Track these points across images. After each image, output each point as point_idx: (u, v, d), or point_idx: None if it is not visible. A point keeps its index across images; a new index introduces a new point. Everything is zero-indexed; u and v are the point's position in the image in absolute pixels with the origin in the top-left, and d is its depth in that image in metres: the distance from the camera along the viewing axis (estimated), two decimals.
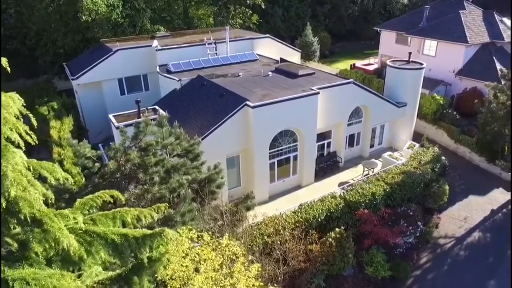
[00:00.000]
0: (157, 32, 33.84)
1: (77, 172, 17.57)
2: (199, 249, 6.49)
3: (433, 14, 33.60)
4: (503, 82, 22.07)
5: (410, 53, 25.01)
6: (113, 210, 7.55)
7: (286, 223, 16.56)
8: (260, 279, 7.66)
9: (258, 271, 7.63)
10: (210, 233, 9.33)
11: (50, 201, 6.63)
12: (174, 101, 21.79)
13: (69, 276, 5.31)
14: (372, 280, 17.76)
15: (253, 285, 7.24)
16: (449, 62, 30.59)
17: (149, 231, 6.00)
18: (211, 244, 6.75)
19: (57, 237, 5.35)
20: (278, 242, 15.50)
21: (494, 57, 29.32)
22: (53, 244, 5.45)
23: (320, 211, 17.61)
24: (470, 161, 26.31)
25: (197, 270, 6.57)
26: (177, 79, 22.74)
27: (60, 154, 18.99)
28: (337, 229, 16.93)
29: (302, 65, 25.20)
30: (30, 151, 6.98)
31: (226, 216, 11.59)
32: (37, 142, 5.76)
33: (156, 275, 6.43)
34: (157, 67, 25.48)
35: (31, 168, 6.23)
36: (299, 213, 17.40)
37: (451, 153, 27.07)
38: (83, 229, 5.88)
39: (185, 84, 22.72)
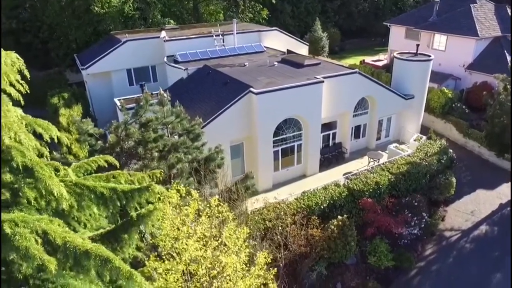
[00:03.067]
0: (166, 25, 34.18)
1: (84, 156, 17.89)
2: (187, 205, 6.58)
3: (443, 8, 33.22)
4: None
5: (418, 45, 24.78)
6: (106, 173, 7.70)
7: (288, 209, 16.58)
8: (247, 242, 7.70)
9: (246, 235, 7.66)
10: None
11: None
12: (180, 90, 21.98)
13: (57, 222, 5.42)
14: (375, 270, 17.65)
15: (241, 246, 7.28)
16: (459, 56, 30.20)
17: (136, 186, 6.10)
18: (200, 203, 6.81)
19: (47, 184, 5.47)
20: (280, 227, 15.51)
21: (505, 51, 28.84)
22: (44, 192, 5.57)
23: (323, 198, 17.57)
24: (479, 156, 25.91)
25: (184, 223, 6.65)
26: (184, 68, 22.93)
27: (68, 138, 19.28)
28: (339, 217, 16.86)
29: (308, 56, 25.17)
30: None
31: (223, 194, 11.66)
32: (29, 91, 5.89)
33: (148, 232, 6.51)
34: (165, 57, 25.73)
35: (26, 124, 6.41)
36: (302, 200, 17.38)
37: (459, 148, 26.70)
38: (73, 181, 5.99)
39: (192, 73, 22.91)
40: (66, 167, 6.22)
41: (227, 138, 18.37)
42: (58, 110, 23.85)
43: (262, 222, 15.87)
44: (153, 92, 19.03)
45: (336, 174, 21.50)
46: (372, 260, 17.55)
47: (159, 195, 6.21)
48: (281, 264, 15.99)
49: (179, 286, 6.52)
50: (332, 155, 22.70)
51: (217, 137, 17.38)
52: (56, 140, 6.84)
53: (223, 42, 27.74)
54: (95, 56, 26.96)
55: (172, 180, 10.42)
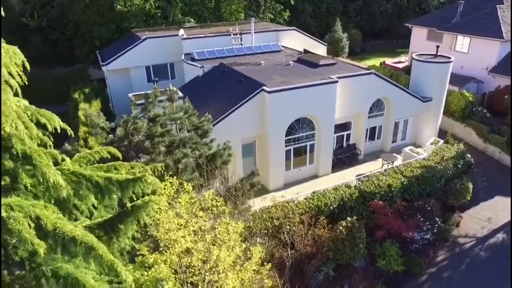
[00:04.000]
0: (186, 23, 34.66)
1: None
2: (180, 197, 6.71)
3: (468, 9, 32.31)
4: None
5: (437, 46, 24.20)
6: (108, 163, 7.92)
7: (297, 208, 16.56)
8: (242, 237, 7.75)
9: (241, 230, 7.72)
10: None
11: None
12: (196, 87, 22.28)
13: (52, 208, 5.64)
14: (384, 274, 17.39)
15: (236, 240, 7.34)
16: (482, 59, 29.30)
17: (131, 176, 6.26)
18: (193, 196, 6.91)
19: (44, 172, 5.69)
20: (287, 227, 15.52)
21: None
22: (41, 179, 5.80)
23: (333, 199, 17.44)
24: (499, 162, 25.09)
25: (176, 214, 6.78)
26: (200, 65, 23.22)
27: (85, 132, 19.89)
28: (349, 218, 16.70)
29: (324, 56, 25.01)
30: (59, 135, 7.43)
31: (229, 191, 11.76)
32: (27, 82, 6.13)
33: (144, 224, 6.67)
34: (183, 55, 26.10)
35: (30, 114, 6.68)
36: (311, 200, 17.31)
37: (479, 153, 25.94)
38: (70, 170, 6.21)
39: (208, 71, 23.16)
40: (64, 156, 6.45)
41: (239, 136, 18.50)
42: (78, 105, 24.59)
43: (269, 220, 15.92)
44: (166, 89, 19.45)
45: (349, 176, 21.27)
46: (381, 264, 17.28)
47: (154, 187, 6.36)
48: (287, 264, 16.03)
49: (172, 277, 6.66)
50: (345, 156, 22.49)
51: (229, 135, 17.51)
52: (59, 131, 7.09)
53: (241, 41, 27.89)
54: (116, 53, 27.62)
55: (178, 176, 10.60)
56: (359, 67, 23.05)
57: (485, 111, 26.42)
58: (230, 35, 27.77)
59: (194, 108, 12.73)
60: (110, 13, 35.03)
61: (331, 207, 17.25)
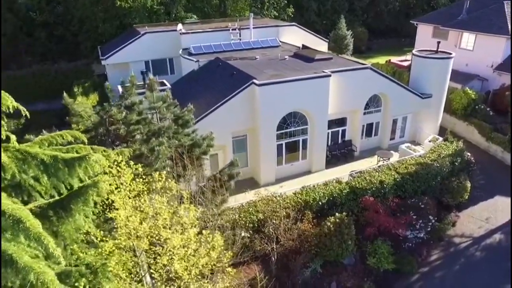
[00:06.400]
0: (187, 19, 34.69)
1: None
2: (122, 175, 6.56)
3: (474, 6, 31.53)
4: None
5: (438, 42, 23.66)
6: (68, 146, 7.83)
7: (284, 202, 16.31)
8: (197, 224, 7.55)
9: (196, 214, 7.53)
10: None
11: None
12: (190, 80, 22.22)
13: None
14: (374, 272, 17.00)
15: (190, 224, 7.16)
16: (488, 56, 28.54)
17: (76, 155, 6.15)
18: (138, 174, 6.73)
19: None
20: (273, 220, 15.27)
21: None
22: None
23: (322, 194, 17.14)
24: (502, 161, 24.38)
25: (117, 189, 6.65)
26: (195, 60, 23.14)
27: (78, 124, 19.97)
28: (337, 214, 16.39)
29: (321, 51, 24.68)
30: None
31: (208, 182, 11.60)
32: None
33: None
34: (181, 50, 26.08)
35: None
36: (300, 195, 17.04)
37: (481, 152, 25.27)
38: (16, 148, 6.11)
39: (203, 65, 23.08)
40: (10, 135, 6.36)
41: (228, 129, 18.35)
42: (76, 98, 24.77)
43: (255, 214, 15.72)
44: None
45: (343, 172, 20.87)
46: (371, 262, 16.91)
47: (100, 167, 6.23)
48: (273, 258, 15.80)
49: (120, 259, 6.52)
50: (340, 153, 22.14)
51: (219, 128, 17.40)
52: (11, 111, 7.01)
53: (240, 36, 27.76)
54: (116, 48, 27.78)
55: (152, 164, 10.49)
56: (357, 62, 22.64)
57: (488, 109, 25.72)
58: (229, 30, 27.65)
59: (174, 99, 12.58)
60: (113, 9, 35.29)
61: (320, 202, 16.94)
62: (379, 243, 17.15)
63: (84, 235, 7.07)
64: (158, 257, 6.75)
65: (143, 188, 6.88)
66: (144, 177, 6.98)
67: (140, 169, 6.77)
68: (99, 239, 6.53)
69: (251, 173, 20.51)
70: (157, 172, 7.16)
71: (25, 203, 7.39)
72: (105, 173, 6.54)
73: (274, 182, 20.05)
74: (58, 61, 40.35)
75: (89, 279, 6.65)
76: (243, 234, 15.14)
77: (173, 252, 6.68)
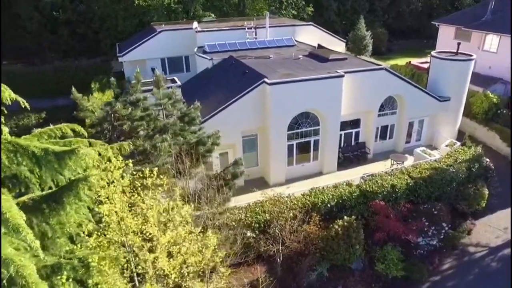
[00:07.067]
0: (204, 18, 34.82)
1: None
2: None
3: (499, 6, 30.39)
4: None
5: (459, 44, 22.89)
6: (65, 139, 7.86)
7: (292, 203, 16.08)
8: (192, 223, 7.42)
9: (189, 212, 7.42)
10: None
11: None
12: (203, 79, 22.24)
13: None
14: (382, 278, 16.55)
15: (180, 222, 7.05)
16: None
17: (67, 148, 6.14)
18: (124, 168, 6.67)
19: None
20: (280, 222, 15.07)
21: None
22: None
23: (331, 196, 16.81)
24: None
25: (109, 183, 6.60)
26: (209, 58, 23.14)
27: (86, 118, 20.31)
28: (346, 217, 16.05)
29: (336, 51, 24.26)
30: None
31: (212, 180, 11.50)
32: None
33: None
34: (196, 48, 26.16)
35: None
36: (308, 196, 16.77)
37: (502, 158, 24.29)
38: (8, 140, 6.15)
39: (216, 64, 23.06)
40: (3, 127, 6.40)
41: (238, 128, 18.25)
42: (92, 94, 25.26)
43: (261, 214, 15.55)
44: (167, 77, 19.45)
45: (355, 174, 20.44)
46: (380, 268, 16.47)
47: (90, 161, 6.21)
48: (278, 260, 15.60)
49: (108, 254, 6.49)
50: (353, 155, 21.71)
51: (229, 126, 17.37)
52: (10, 102, 7.07)
53: (255, 35, 27.65)
54: (133, 45, 28.11)
55: (154, 160, 10.48)
56: (373, 63, 22.14)
57: (510, 114, 24.71)
58: (244, 29, 27.56)
59: (182, 96, 12.55)
60: (132, 7, 35.79)
61: (329, 205, 16.63)
62: (389, 248, 16.69)
63: (79, 228, 7.07)
64: (147, 254, 6.68)
65: (133, 184, 6.84)
66: (135, 172, 6.94)
67: (131, 165, 6.72)
68: (86, 233, 6.51)
69: (261, 173, 20.37)
70: (147, 169, 7.11)
71: (22, 195, 7.49)
72: (98, 167, 6.51)
73: (284, 182, 19.82)
74: (79, 58, 41.30)
75: (80, 272, 6.65)
76: (248, 234, 15.03)
77: (159, 249, 6.61)
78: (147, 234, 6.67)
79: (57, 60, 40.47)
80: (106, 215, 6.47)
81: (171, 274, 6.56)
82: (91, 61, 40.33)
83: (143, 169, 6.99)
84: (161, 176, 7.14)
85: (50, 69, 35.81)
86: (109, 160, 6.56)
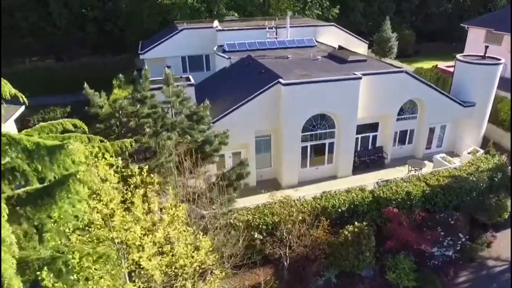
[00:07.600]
0: (226, 17, 34.94)
1: None
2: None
3: None
4: None
5: (486, 47, 21.89)
6: (64, 134, 7.97)
7: (302, 207, 15.81)
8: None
9: (181, 210, 7.34)
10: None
11: None
12: (220, 77, 22.28)
13: None
14: None
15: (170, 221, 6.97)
16: None
17: (58, 142, 6.19)
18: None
19: None
20: (288, 225, 14.84)
21: None
22: None
23: (342, 201, 16.43)
24: None
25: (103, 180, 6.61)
26: (227, 57, 23.13)
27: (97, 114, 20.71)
28: (356, 223, 15.65)
29: (356, 52, 23.70)
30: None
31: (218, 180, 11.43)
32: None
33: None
34: (215, 47, 26.22)
35: None
36: (319, 200, 16.46)
37: None
38: (2, 133, 6.26)
39: (234, 63, 23.03)
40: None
41: (251, 128, 18.13)
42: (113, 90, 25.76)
43: (270, 216, 15.38)
44: (182, 75, 19.55)
45: (370, 179, 19.95)
46: (391, 276, 15.95)
47: (81, 156, 6.24)
48: (285, 263, 15.37)
49: (95, 250, 6.50)
50: (370, 159, 21.17)
51: (242, 126, 17.31)
52: (9, 97, 7.24)
53: (276, 34, 27.45)
54: (154, 43, 28.51)
55: (157, 158, 10.50)
56: (393, 65, 21.51)
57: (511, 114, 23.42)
58: (265, 28, 27.41)
59: (188, 94, 12.55)
60: (157, 5, 36.35)
61: (340, 210, 16.25)
62: (401, 257, 16.15)
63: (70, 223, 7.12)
64: (135, 252, 6.66)
65: (123, 182, 6.86)
66: (123, 170, 6.94)
67: (120, 162, 6.72)
68: (71, 229, 6.54)
69: (274, 174, 20.19)
70: (137, 166, 7.10)
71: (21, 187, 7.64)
72: (87, 163, 6.54)
73: (297, 184, 19.56)
74: (105, 54, 42.41)
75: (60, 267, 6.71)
76: (256, 236, 14.89)
77: (143, 249, 6.58)
78: (134, 232, 6.65)
79: (84, 56, 41.70)
80: (90, 212, 6.50)
81: (154, 274, 6.52)
82: (116, 58, 41.35)
83: (132, 167, 6.98)
84: (152, 175, 7.13)
85: (77, 65, 36.90)
86: (96, 156, 6.57)
